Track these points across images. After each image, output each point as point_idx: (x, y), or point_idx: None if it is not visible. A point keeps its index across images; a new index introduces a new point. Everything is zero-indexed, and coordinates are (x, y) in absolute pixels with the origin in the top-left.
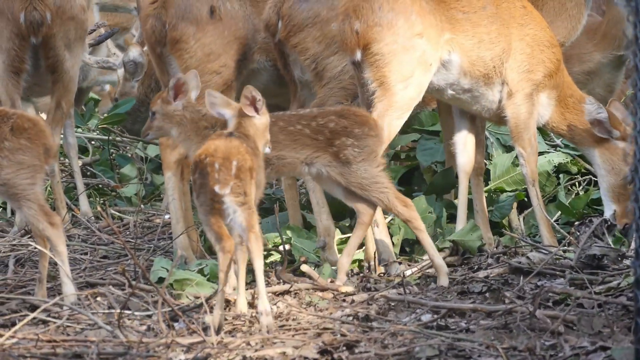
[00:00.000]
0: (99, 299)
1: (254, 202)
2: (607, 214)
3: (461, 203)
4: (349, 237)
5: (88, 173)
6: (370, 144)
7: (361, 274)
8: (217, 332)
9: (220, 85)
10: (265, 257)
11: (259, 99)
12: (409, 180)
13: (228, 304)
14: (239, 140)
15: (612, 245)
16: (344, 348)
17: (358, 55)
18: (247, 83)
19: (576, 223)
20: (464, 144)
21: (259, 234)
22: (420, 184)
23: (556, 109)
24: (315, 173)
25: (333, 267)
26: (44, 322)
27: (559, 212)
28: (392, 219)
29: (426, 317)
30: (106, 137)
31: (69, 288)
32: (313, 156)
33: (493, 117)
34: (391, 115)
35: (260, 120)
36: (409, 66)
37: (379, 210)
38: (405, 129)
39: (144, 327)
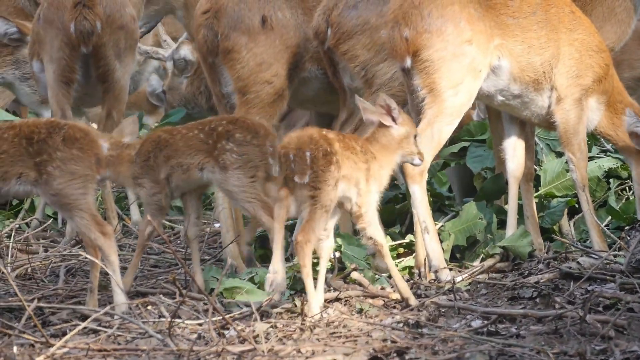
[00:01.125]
0: (149, 307)
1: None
2: None
3: (511, 209)
4: (399, 244)
5: None
6: (250, 153)
7: (411, 281)
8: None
9: (271, 95)
10: (315, 264)
11: (394, 108)
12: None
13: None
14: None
15: None
16: (395, 354)
17: (407, 62)
18: (299, 92)
19: (626, 228)
20: (514, 150)
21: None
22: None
23: (605, 114)
24: (206, 179)
25: (383, 274)
26: (95, 332)
27: (610, 217)
28: (442, 226)
29: (476, 323)
30: None
31: (120, 297)
32: (204, 161)
33: (542, 123)
34: (441, 121)
35: (398, 130)
36: (459, 73)
37: (429, 217)
38: (455, 139)
39: (195, 336)
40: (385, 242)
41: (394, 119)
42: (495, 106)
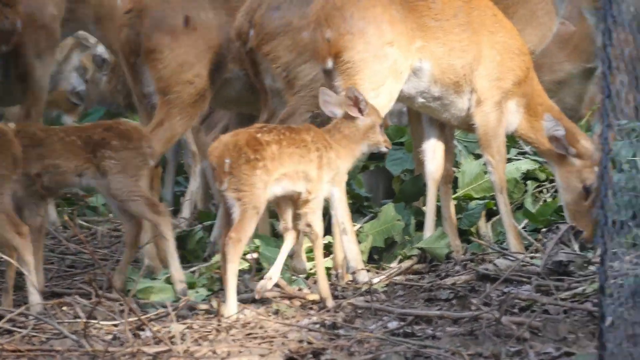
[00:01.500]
0: (65, 308)
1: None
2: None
3: (429, 210)
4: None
5: None
6: (128, 157)
7: (329, 282)
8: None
9: (193, 96)
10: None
11: (362, 100)
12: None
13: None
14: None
15: (579, 252)
16: (311, 356)
17: (329, 64)
18: (221, 92)
19: (543, 230)
20: (433, 152)
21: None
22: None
23: (525, 117)
24: (86, 185)
25: (301, 275)
26: (9, 332)
27: (526, 220)
28: (360, 227)
29: (393, 325)
30: None
31: (35, 298)
32: (83, 167)
33: (462, 125)
34: None
35: (364, 121)
36: (380, 74)
37: (347, 218)
38: None
39: (110, 337)
40: (321, 235)
41: (360, 111)
42: (415, 108)
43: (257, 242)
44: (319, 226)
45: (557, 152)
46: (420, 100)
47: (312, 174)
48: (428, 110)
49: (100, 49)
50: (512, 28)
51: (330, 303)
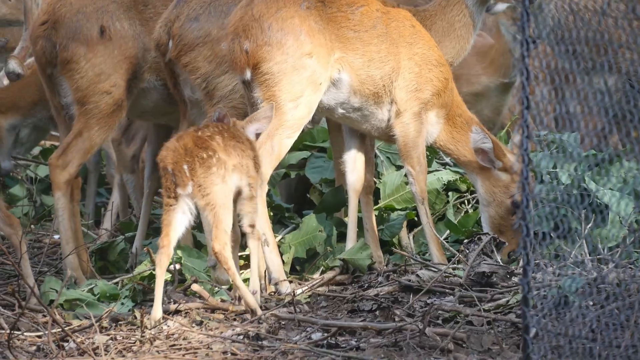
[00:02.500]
0: None
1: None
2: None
3: (351, 221)
4: (240, 256)
5: None
6: None
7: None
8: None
9: (110, 106)
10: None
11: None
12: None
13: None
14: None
15: (501, 263)
16: None
17: (248, 75)
18: (138, 102)
19: (465, 241)
20: (354, 163)
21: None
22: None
23: (445, 128)
24: None
25: (223, 287)
26: None
27: (448, 230)
28: (282, 238)
29: (316, 336)
30: None
31: None
32: None
33: (382, 136)
34: (281, 134)
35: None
36: (299, 85)
37: (268, 229)
38: (297, 144)
39: (34, 348)
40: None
41: None
42: (335, 119)
43: (180, 253)
44: (261, 227)
45: (480, 165)
46: (340, 111)
47: (252, 170)
48: (348, 121)
49: (12, 65)
50: (429, 39)
51: (259, 312)
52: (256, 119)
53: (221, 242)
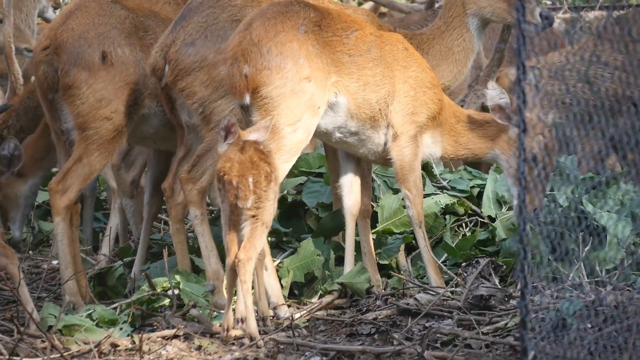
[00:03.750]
0: None
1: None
2: (515, 201)
3: (348, 245)
4: None
5: None
6: None
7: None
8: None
9: (111, 131)
10: (154, 301)
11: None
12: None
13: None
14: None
15: (499, 286)
16: None
17: (247, 99)
18: (138, 128)
19: (463, 264)
20: (350, 186)
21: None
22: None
23: (447, 141)
24: None
25: (221, 311)
26: None
27: (446, 254)
28: (280, 263)
29: None
30: None
31: None
32: None
33: (379, 160)
34: (279, 158)
35: None
36: (298, 110)
37: (267, 254)
38: (293, 170)
39: None
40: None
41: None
42: (332, 144)
43: (178, 277)
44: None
45: (493, 140)
46: (338, 135)
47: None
48: (345, 145)
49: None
50: (422, 61)
51: (257, 337)
52: (256, 129)
53: (248, 255)
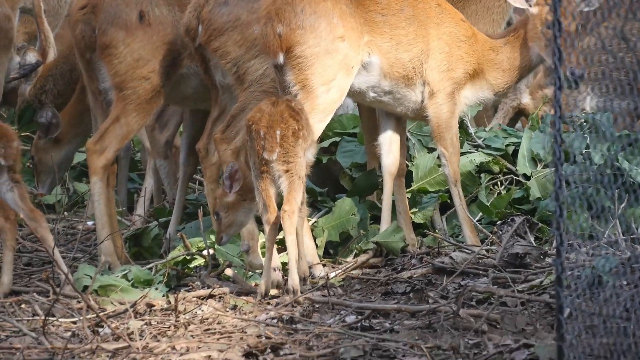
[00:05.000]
0: (23, 306)
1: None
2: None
3: (386, 204)
4: None
5: None
6: None
7: (285, 277)
8: (265, 295)
9: (149, 91)
10: (190, 261)
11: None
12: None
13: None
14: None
15: (534, 244)
16: (269, 350)
17: (281, 58)
18: (177, 89)
19: (498, 222)
20: (389, 145)
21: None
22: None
23: (494, 77)
24: None
25: (257, 271)
26: None
27: (481, 212)
28: (315, 222)
29: (350, 319)
30: (27, 146)
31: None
32: None
33: (418, 117)
34: (313, 118)
35: None
36: (332, 69)
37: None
38: (327, 131)
39: (69, 334)
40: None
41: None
42: (368, 103)
43: (213, 237)
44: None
45: (526, 38)
46: (372, 95)
47: None
48: (382, 104)
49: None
50: (455, 14)
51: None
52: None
53: (292, 207)
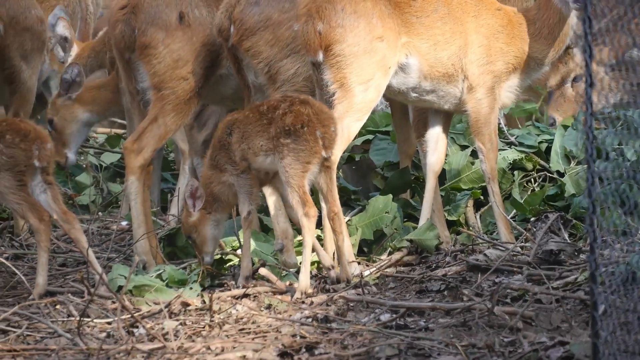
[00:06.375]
0: (58, 307)
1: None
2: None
3: (426, 202)
4: None
5: None
6: (16, 155)
7: (319, 275)
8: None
9: (187, 92)
10: (224, 261)
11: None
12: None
13: (186, 307)
14: None
15: (569, 241)
16: (304, 350)
17: (320, 56)
18: (217, 89)
19: (532, 219)
20: (436, 143)
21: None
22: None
23: (539, 49)
24: None
25: (292, 270)
26: (4, 332)
27: (515, 209)
28: (349, 220)
29: (385, 317)
30: None
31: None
32: None
33: (460, 112)
34: (351, 117)
35: None
36: (370, 69)
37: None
38: (360, 130)
39: (104, 334)
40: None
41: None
42: (410, 103)
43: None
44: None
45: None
46: (413, 95)
47: None
48: (426, 103)
49: (60, 29)
50: (491, 4)
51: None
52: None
53: (339, 206)
